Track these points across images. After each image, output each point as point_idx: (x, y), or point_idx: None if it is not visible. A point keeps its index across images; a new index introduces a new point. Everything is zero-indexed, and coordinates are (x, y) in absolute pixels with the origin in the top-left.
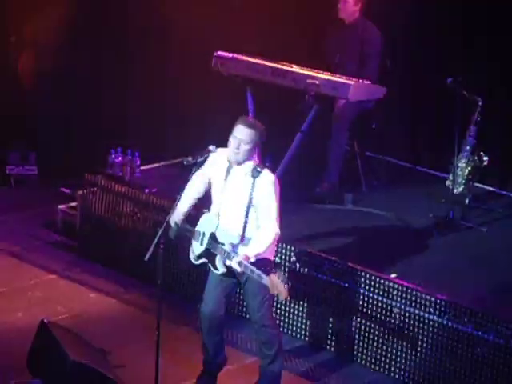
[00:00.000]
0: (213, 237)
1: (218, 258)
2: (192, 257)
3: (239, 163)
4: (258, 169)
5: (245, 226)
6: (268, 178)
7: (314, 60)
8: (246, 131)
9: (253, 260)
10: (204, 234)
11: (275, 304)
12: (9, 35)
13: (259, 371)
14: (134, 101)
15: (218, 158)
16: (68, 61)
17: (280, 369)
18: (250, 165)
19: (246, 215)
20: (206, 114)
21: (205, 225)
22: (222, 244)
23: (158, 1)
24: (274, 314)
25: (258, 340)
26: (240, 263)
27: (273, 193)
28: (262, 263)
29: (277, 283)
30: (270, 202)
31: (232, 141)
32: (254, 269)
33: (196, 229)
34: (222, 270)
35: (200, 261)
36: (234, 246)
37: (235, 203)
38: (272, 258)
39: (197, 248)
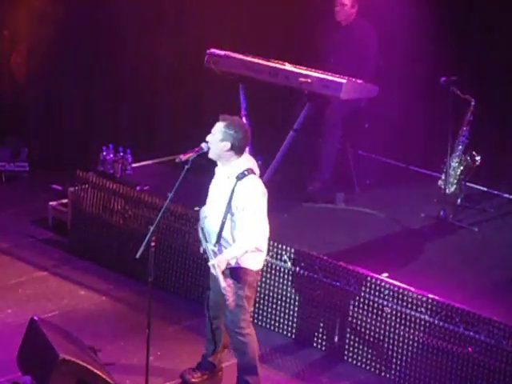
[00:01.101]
0: (203, 232)
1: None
2: (201, 249)
3: (215, 158)
4: (245, 173)
5: (221, 229)
6: (251, 183)
7: (308, 59)
8: (217, 124)
9: (227, 264)
10: (202, 229)
11: (267, 303)
12: (1, 30)
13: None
14: (126, 98)
15: (217, 169)
16: (60, 57)
17: (251, 380)
18: (235, 167)
19: (224, 217)
20: (198, 112)
21: (202, 219)
22: (209, 242)
23: None
24: (250, 322)
25: (232, 345)
26: (213, 266)
27: (253, 200)
28: (239, 272)
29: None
30: (249, 210)
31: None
32: (221, 275)
33: (199, 223)
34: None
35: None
36: (217, 246)
37: (216, 205)
38: (253, 269)
39: (203, 242)
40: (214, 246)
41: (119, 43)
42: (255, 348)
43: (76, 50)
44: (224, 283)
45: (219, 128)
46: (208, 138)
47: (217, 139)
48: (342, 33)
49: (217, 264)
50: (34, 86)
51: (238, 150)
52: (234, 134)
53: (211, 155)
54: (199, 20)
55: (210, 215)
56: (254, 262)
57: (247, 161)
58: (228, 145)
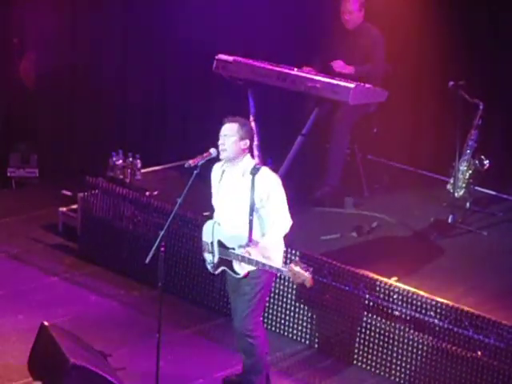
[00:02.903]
0: (221, 244)
1: (234, 263)
2: (209, 268)
3: (231, 159)
4: (257, 166)
5: (251, 227)
6: (268, 174)
7: (316, 64)
8: (227, 126)
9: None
10: (212, 243)
11: (276, 307)
12: (11, 37)
13: (242, 377)
14: (135, 103)
15: (214, 168)
16: (69, 63)
17: (257, 381)
18: (246, 164)
19: (251, 214)
20: (207, 117)
21: (209, 234)
22: (233, 249)
23: (159, 1)
24: (261, 323)
25: (240, 348)
26: (251, 262)
27: (274, 187)
28: (259, 272)
29: (298, 271)
30: (275, 196)
31: (219, 141)
32: (270, 262)
33: (203, 240)
34: (242, 273)
35: (219, 270)
36: (244, 247)
37: (236, 205)
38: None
39: (210, 259)
40: (243, 247)
41: (128, 48)
42: (264, 350)
43: (85, 56)
44: (282, 267)
45: (234, 129)
46: (222, 141)
47: (235, 140)
48: (350, 37)
49: (255, 256)
50: (44, 93)
51: (250, 147)
52: (249, 131)
53: (227, 156)
54: (206, 25)
55: (229, 219)
56: (279, 261)
57: (251, 157)
58: (248, 142)
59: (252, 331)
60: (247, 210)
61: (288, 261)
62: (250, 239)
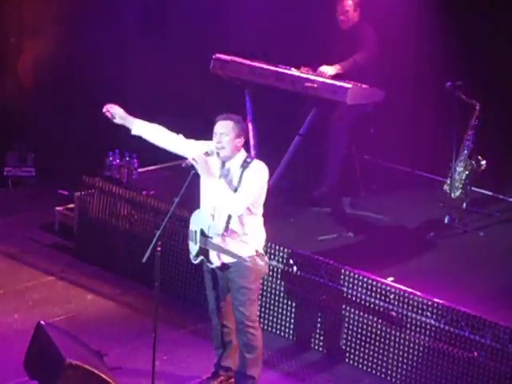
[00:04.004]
0: (202, 233)
1: (210, 252)
2: (191, 257)
3: (228, 157)
4: (248, 160)
5: (229, 217)
6: (255, 166)
7: (313, 64)
8: (221, 123)
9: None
10: (196, 232)
11: (272, 307)
12: (8, 37)
13: (235, 376)
14: (132, 102)
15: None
16: (66, 63)
17: (257, 374)
18: (239, 158)
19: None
20: (204, 117)
21: (195, 223)
22: (211, 238)
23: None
24: (258, 316)
25: (240, 342)
26: (220, 250)
27: (254, 176)
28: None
29: (257, 260)
30: (250, 183)
31: (214, 139)
32: (236, 252)
33: (190, 228)
34: (216, 263)
35: (198, 259)
36: (220, 236)
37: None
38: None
39: (193, 247)
40: (215, 238)
41: (124, 48)
42: (261, 344)
43: (82, 55)
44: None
45: (229, 127)
46: (217, 140)
47: (231, 138)
48: (346, 37)
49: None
50: (41, 92)
51: (245, 143)
52: (244, 128)
53: (225, 155)
54: (204, 24)
55: (213, 208)
56: (260, 245)
57: (243, 150)
58: (243, 140)
59: (254, 321)
60: None
61: (284, 260)
62: (227, 228)
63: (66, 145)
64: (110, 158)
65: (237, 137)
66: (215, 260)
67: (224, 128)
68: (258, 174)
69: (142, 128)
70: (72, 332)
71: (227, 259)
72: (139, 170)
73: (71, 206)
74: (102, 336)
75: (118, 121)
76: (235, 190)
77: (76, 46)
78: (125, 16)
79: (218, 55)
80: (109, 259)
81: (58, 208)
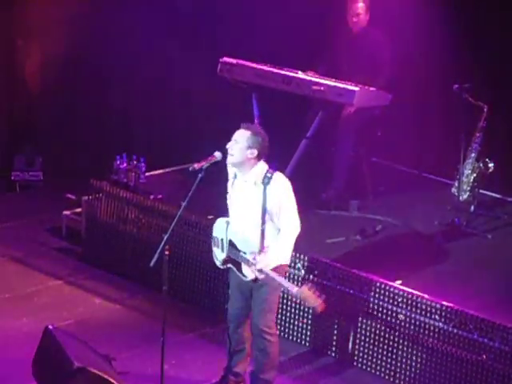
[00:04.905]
0: (232, 244)
1: (243, 266)
2: (217, 263)
3: (236, 165)
4: (268, 175)
5: (262, 235)
6: (279, 183)
7: (321, 67)
8: (239, 132)
9: (273, 264)
10: (222, 240)
11: (280, 311)
12: (15, 38)
13: (250, 376)
14: (139, 107)
15: (228, 169)
16: (74, 65)
17: (272, 379)
18: (258, 172)
19: (263, 223)
20: (211, 120)
21: (220, 231)
22: (244, 253)
23: (165, 5)
24: (276, 323)
25: (255, 346)
26: (260, 270)
27: (286, 195)
28: (277, 270)
29: (310, 295)
30: (286, 204)
31: (228, 144)
32: (280, 278)
33: (213, 235)
34: (250, 277)
35: (225, 266)
36: (255, 255)
37: (249, 213)
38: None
39: (219, 254)
40: (248, 255)
41: (133, 53)
42: (278, 350)
43: (89, 59)
44: (293, 287)
45: (245, 136)
46: (230, 145)
47: (243, 147)
48: (355, 41)
49: (264, 266)
50: (48, 96)
51: (261, 156)
52: (261, 141)
53: (233, 161)
54: (212, 28)
55: (241, 224)
56: (288, 258)
57: (263, 163)
58: (255, 152)
59: (270, 328)
60: (259, 219)
61: (292, 264)
62: (262, 248)
63: (74, 149)
64: (118, 162)
65: (248, 148)
66: (248, 274)
67: (239, 136)
68: (285, 190)
69: None
70: (80, 336)
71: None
72: (147, 173)
73: (79, 210)
74: (110, 340)
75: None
76: (263, 209)
77: (84, 48)
78: (135, 17)
79: (225, 59)
80: (116, 263)
81: (65, 212)
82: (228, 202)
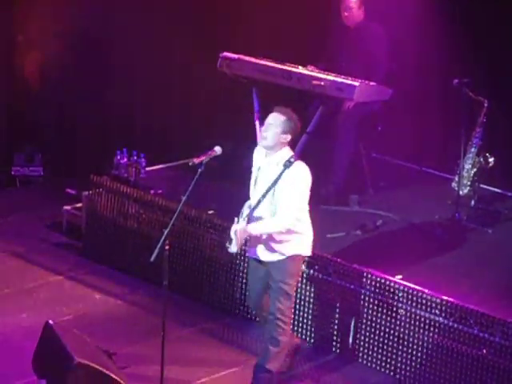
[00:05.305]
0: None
1: (258, 248)
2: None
3: (269, 148)
4: (291, 160)
5: (258, 203)
6: (297, 170)
7: (320, 62)
8: (274, 115)
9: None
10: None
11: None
12: (15, 35)
13: (254, 368)
14: (139, 101)
15: (255, 155)
16: (74, 61)
17: (276, 368)
18: (283, 155)
19: (264, 195)
20: (212, 115)
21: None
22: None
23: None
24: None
25: (267, 333)
26: (235, 232)
27: (297, 185)
28: (288, 262)
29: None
30: (291, 192)
31: (263, 127)
32: (237, 240)
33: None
34: (233, 249)
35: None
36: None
37: (264, 188)
38: (302, 254)
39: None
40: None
41: (132, 48)
42: (288, 341)
43: (89, 54)
44: (236, 248)
45: (280, 120)
46: (265, 129)
47: (277, 131)
48: (352, 36)
49: (239, 231)
50: (49, 91)
51: (292, 141)
52: (294, 126)
53: (266, 145)
54: (213, 23)
55: (259, 205)
56: (302, 246)
57: (289, 149)
58: (289, 137)
59: (286, 316)
60: (270, 195)
61: None
62: (250, 216)
63: (74, 144)
64: (118, 157)
65: (283, 132)
66: (262, 255)
67: (274, 119)
68: (300, 178)
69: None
70: (80, 331)
71: (266, 257)
72: (147, 168)
73: (79, 205)
74: (110, 335)
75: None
76: (271, 185)
77: (84, 43)
78: (135, 13)
79: (225, 53)
80: (117, 258)
81: (65, 207)
82: (251, 187)
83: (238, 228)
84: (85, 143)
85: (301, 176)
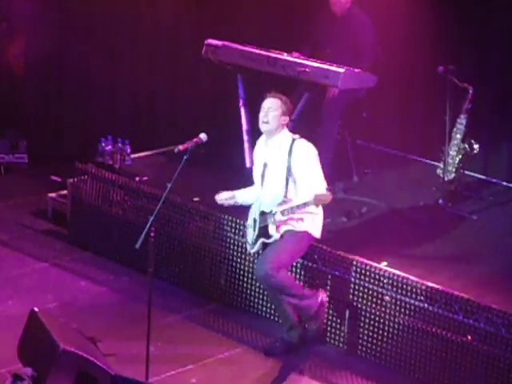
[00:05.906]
0: (262, 213)
1: (269, 226)
2: (248, 247)
3: (271, 131)
4: (294, 137)
5: (286, 187)
6: (305, 144)
7: (305, 49)
8: (271, 100)
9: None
10: (255, 219)
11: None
12: (0, 21)
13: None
14: (124, 89)
15: (258, 144)
16: (58, 48)
17: (313, 310)
18: (283, 137)
19: (286, 178)
20: (196, 102)
21: (253, 211)
22: (271, 212)
23: None
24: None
25: (270, 297)
26: (283, 212)
27: (309, 155)
28: (299, 234)
29: (322, 196)
30: (309, 165)
31: (260, 113)
32: (295, 205)
33: (248, 222)
34: (275, 235)
35: (257, 245)
36: (280, 204)
37: (274, 174)
38: (313, 235)
39: (251, 234)
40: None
41: (118, 34)
42: (293, 282)
43: (73, 41)
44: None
45: (277, 104)
46: (264, 114)
47: (277, 114)
48: (338, 23)
49: (280, 212)
50: (33, 78)
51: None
52: (290, 108)
53: (269, 129)
54: (197, 10)
55: (270, 188)
56: (313, 226)
57: (286, 129)
58: (287, 119)
59: (274, 270)
60: (283, 179)
61: None
62: (286, 195)
63: (59, 131)
64: (103, 144)
65: (283, 114)
66: (273, 232)
67: (272, 103)
68: (312, 150)
69: (241, 197)
70: (66, 318)
71: (284, 228)
72: (132, 155)
73: (64, 192)
74: (95, 322)
75: (229, 202)
76: (288, 165)
77: (68, 31)
78: (115, 2)
79: (210, 40)
80: (102, 245)
81: (50, 194)
82: (255, 176)
83: (281, 210)
84: (70, 130)
85: (312, 149)
